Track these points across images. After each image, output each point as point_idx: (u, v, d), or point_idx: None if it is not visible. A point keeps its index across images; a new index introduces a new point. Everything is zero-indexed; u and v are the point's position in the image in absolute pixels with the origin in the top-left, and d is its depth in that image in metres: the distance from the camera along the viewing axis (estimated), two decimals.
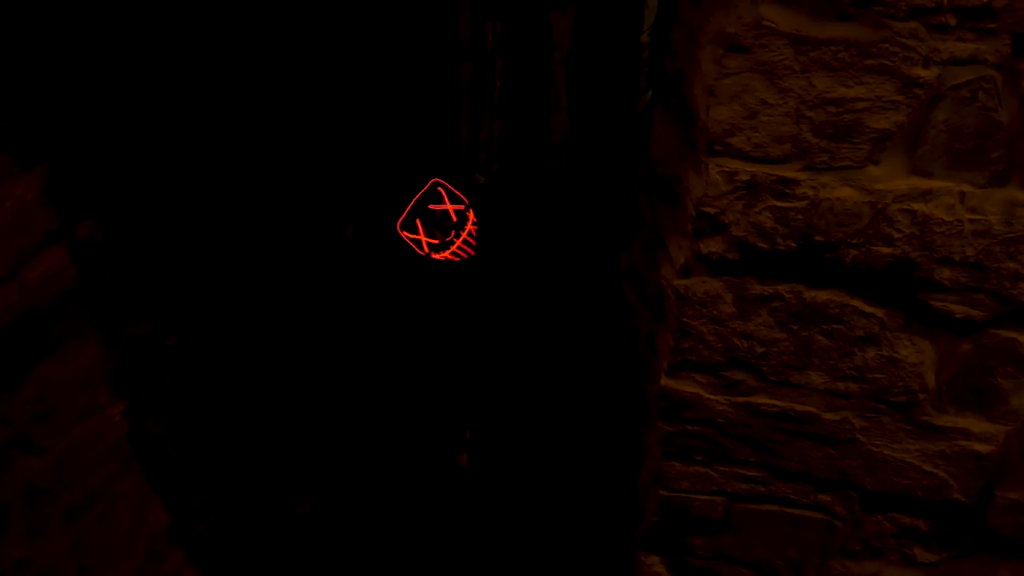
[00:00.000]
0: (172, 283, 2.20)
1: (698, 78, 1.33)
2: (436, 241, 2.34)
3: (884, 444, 1.52)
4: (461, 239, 2.35)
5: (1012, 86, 1.19)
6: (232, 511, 2.22)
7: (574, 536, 2.22)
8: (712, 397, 1.57)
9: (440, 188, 2.32)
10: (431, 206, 2.30)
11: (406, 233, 2.35)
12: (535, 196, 2.20)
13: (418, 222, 2.30)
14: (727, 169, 1.34)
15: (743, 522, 1.72)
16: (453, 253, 2.39)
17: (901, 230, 1.30)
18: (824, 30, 1.18)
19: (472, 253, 2.35)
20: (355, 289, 2.44)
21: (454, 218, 2.31)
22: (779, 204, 1.34)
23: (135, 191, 2.30)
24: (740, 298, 1.45)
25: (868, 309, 1.40)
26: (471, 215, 2.30)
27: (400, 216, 2.39)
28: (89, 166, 2.23)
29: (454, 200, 2.34)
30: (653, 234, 1.61)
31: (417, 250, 2.39)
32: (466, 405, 2.40)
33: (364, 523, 2.32)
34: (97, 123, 2.22)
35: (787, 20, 1.19)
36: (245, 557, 2.28)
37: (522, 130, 2.31)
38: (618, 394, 1.90)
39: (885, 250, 1.32)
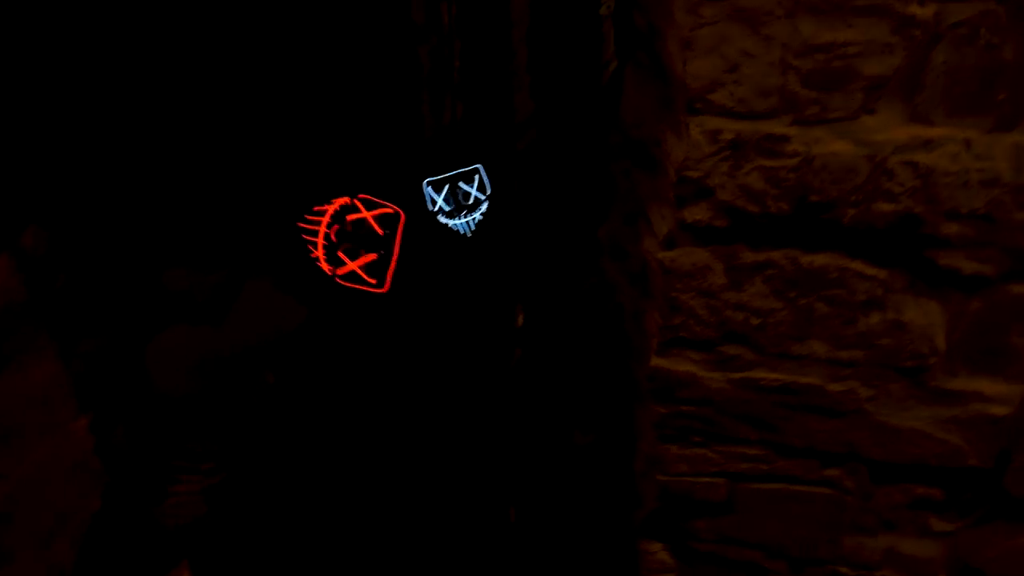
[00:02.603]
0: (126, 290, 2.08)
1: (672, 31, 1.21)
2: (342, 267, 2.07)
3: (893, 413, 1.43)
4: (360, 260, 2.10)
5: (1017, 20, 1.07)
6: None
7: (572, 526, 2.14)
8: (707, 375, 1.47)
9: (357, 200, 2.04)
10: (349, 216, 2.04)
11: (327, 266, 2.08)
12: (503, 177, 2.10)
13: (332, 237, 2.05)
14: (709, 128, 1.23)
15: (747, 503, 1.63)
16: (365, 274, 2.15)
17: (902, 184, 1.19)
18: None
19: (379, 286, 2.11)
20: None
21: (379, 231, 2.04)
22: (768, 163, 1.23)
23: (82, 197, 2.18)
24: (731, 268, 1.35)
25: (870, 271, 1.30)
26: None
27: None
28: (32, 171, 2.10)
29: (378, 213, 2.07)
30: (631, 204, 1.50)
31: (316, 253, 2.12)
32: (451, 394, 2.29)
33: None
34: (38, 126, 2.10)
35: None
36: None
37: (485, 112, 2.21)
38: (607, 377, 1.80)
39: (886, 207, 1.22)
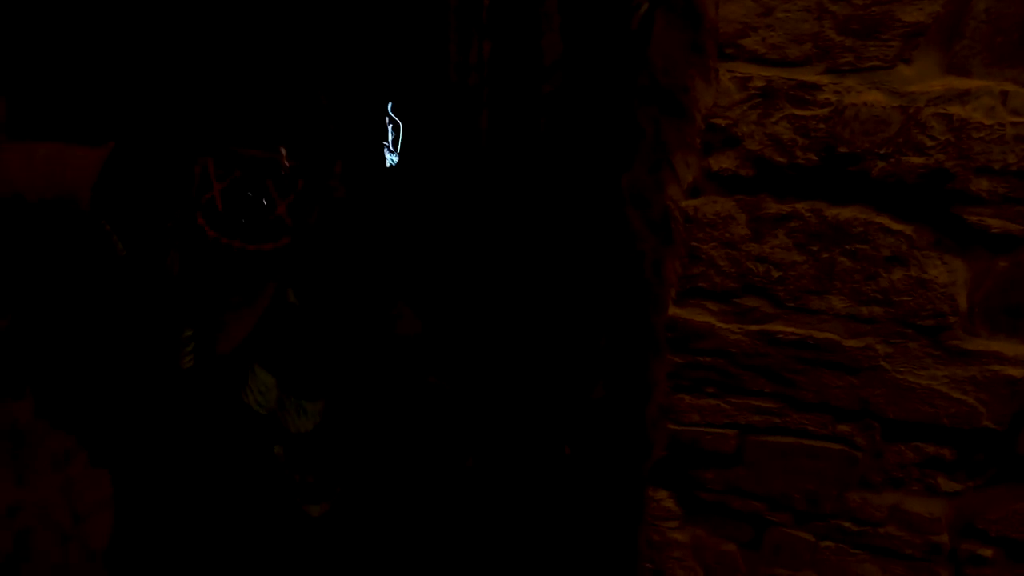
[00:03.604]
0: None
1: None
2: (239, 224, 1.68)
3: (910, 371, 1.42)
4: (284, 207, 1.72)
5: None
6: None
7: (581, 473, 2.15)
8: (725, 326, 1.47)
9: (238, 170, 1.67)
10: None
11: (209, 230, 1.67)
12: (529, 120, 2.06)
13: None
14: (740, 74, 1.20)
15: (757, 455, 1.63)
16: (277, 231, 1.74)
17: (935, 137, 1.17)
18: None
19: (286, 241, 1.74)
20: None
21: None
22: (799, 112, 1.21)
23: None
24: (755, 218, 1.33)
25: (895, 227, 1.28)
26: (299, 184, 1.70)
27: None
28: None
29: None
30: (657, 152, 1.48)
31: (211, 234, 1.71)
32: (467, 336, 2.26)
33: None
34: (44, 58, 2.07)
35: None
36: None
37: (513, 51, 2.17)
38: (623, 325, 1.80)
39: (917, 160, 1.20)
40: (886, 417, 1.49)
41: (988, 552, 1.57)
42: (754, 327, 1.45)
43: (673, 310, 1.48)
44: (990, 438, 1.47)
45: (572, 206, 1.89)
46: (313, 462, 1.97)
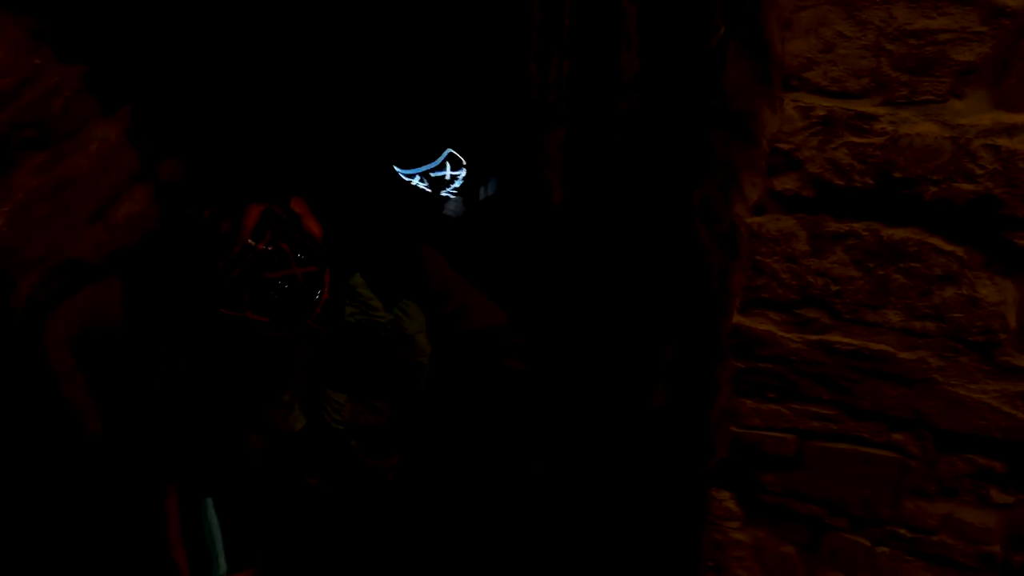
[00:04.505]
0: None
1: (773, 10, 1.31)
2: (267, 320, 1.61)
3: (961, 384, 1.50)
4: (311, 318, 1.64)
5: None
6: None
7: (646, 472, 2.26)
8: (785, 335, 1.57)
9: (284, 242, 1.60)
10: (268, 273, 1.58)
11: (223, 311, 1.60)
12: (605, 136, 2.18)
13: (245, 296, 1.59)
14: (803, 104, 1.32)
15: (814, 460, 1.73)
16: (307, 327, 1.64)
17: (984, 166, 1.27)
18: None
19: (324, 332, 1.68)
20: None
21: (301, 284, 1.61)
22: (856, 140, 1.32)
23: (215, 132, 2.37)
24: (815, 236, 1.44)
25: (947, 247, 1.38)
26: (327, 276, 1.64)
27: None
28: (170, 107, 2.30)
29: (301, 254, 1.61)
30: (726, 171, 1.60)
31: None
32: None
33: None
34: (176, 65, 2.29)
35: None
36: None
37: (592, 69, 2.29)
38: (689, 331, 1.91)
39: (967, 187, 1.29)
40: (939, 428, 1.58)
41: None
42: (813, 336, 1.55)
43: (737, 318, 1.60)
44: None
45: (644, 218, 2.01)
46: (386, 448, 2.11)
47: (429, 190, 3.35)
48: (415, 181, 3.27)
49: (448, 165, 3.28)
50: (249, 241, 1.59)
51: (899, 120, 1.28)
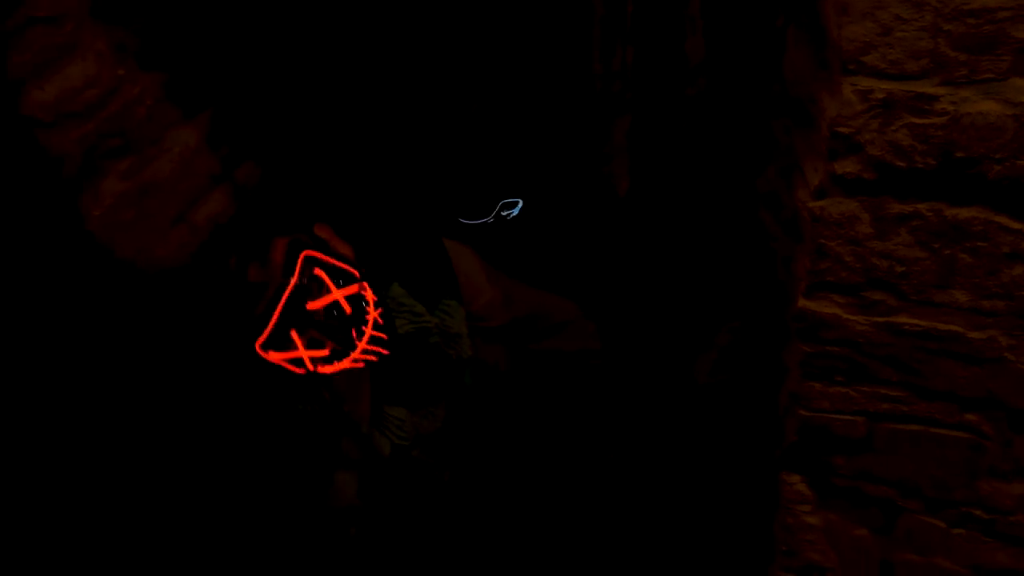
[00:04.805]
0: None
1: None
2: (325, 352, 1.59)
3: None
4: (366, 337, 1.61)
5: None
6: None
7: (718, 459, 2.28)
8: (851, 317, 1.58)
9: (318, 268, 1.57)
10: (310, 304, 1.56)
11: (275, 354, 1.56)
12: (673, 123, 2.19)
13: (293, 333, 1.55)
14: (861, 88, 1.34)
15: (885, 442, 1.73)
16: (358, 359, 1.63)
17: None
18: None
19: (385, 352, 1.67)
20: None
21: (347, 308, 1.58)
22: (917, 121, 1.33)
23: (288, 136, 2.46)
24: (878, 218, 1.45)
25: (1014, 225, 1.37)
26: (369, 293, 1.62)
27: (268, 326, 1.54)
28: (246, 113, 2.39)
29: (339, 278, 1.59)
30: (788, 157, 1.62)
31: (296, 370, 1.60)
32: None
33: None
34: (251, 74, 2.38)
35: None
36: None
37: (656, 57, 2.29)
38: (756, 318, 1.93)
39: None
40: (1013, 407, 1.57)
41: None
42: (879, 319, 1.56)
43: (802, 302, 1.61)
44: None
45: (710, 205, 2.02)
46: (443, 451, 2.13)
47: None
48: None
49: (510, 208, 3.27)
50: (281, 279, 1.56)
51: (959, 100, 1.28)
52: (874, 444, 1.75)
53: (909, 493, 1.78)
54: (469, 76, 2.72)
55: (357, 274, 1.64)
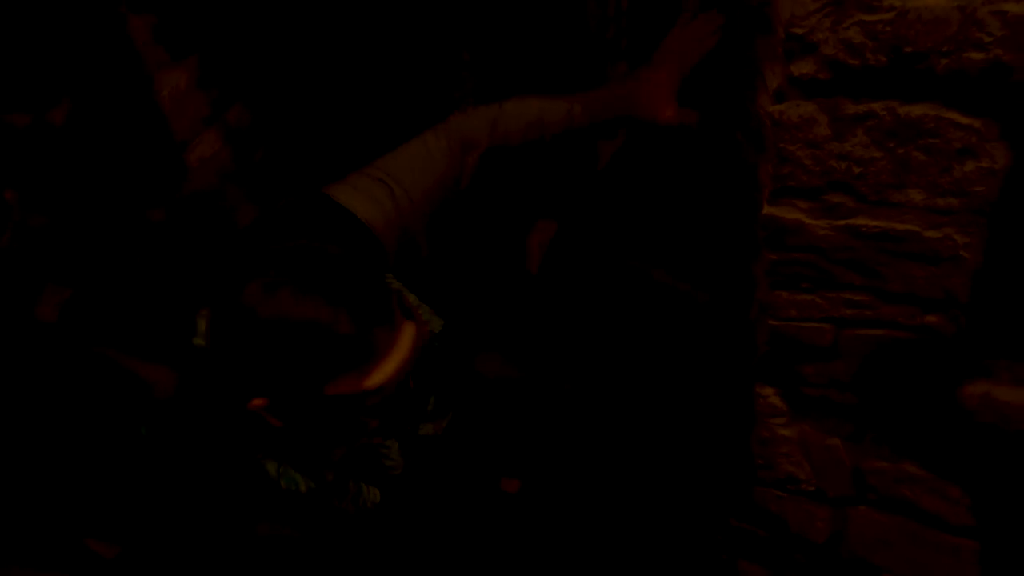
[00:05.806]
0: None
1: None
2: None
3: None
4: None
5: None
6: None
7: (694, 378, 2.34)
8: (813, 222, 1.63)
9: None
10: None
11: None
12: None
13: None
14: None
15: (851, 348, 1.78)
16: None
17: (991, 33, 1.30)
18: None
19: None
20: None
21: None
22: (867, 18, 1.36)
23: (278, 79, 2.52)
24: (835, 119, 1.49)
25: (964, 120, 1.41)
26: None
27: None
28: (234, 56, 2.46)
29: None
30: (751, 65, 1.66)
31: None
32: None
33: None
34: (241, 17, 2.44)
35: None
36: None
37: (651, 2, 2.33)
38: (728, 230, 1.98)
39: (976, 56, 1.32)
40: (968, 305, 1.61)
41: None
42: (840, 221, 1.60)
43: (767, 209, 1.66)
44: None
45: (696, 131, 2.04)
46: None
47: None
48: None
49: None
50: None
51: None
52: (840, 351, 1.80)
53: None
54: (458, 29, 2.76)
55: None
